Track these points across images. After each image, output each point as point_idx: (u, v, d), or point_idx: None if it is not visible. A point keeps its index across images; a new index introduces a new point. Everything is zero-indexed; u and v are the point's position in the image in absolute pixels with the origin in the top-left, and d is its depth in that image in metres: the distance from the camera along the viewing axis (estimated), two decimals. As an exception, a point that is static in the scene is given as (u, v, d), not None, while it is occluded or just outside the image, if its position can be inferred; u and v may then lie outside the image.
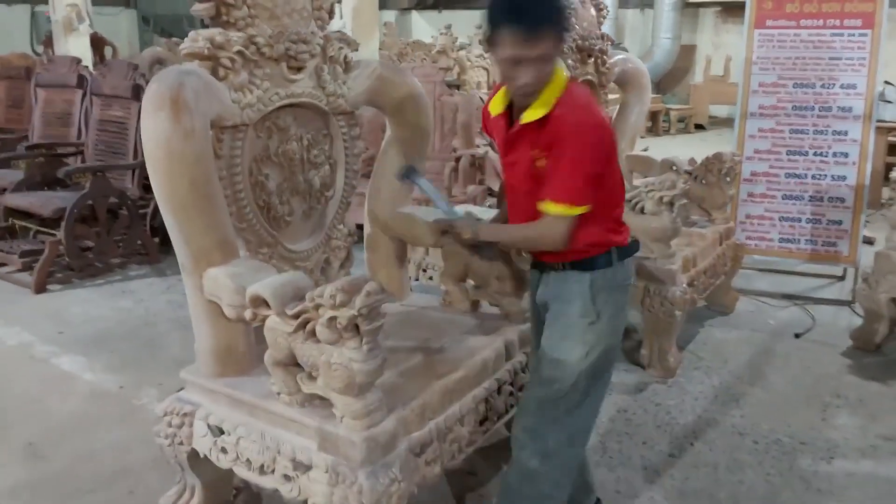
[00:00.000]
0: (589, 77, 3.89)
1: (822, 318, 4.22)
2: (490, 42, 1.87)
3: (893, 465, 2.81)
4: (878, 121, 6.43)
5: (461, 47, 9.23)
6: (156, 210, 4.98)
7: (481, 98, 5.89)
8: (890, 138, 7.00)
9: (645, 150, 5.47)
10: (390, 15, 15.80)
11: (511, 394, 2.44)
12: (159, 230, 5.03)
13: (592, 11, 3.90)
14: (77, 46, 8.60)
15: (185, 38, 2.09)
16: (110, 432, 2.98)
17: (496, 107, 2.05)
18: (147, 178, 2.03)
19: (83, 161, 5.44)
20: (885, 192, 5.63)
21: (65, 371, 3.57)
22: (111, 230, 5.01)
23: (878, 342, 3.72)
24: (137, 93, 5.04)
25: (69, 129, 5.69)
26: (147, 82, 3.42)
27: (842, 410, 3.19)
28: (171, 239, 2.03)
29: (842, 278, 4.82)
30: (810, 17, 4.53)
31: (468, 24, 10.64)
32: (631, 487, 2.64)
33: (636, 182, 3.75)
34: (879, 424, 3.09)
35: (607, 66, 3.99)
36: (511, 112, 2.01)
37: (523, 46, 1.81)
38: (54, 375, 3.53)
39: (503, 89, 2.03)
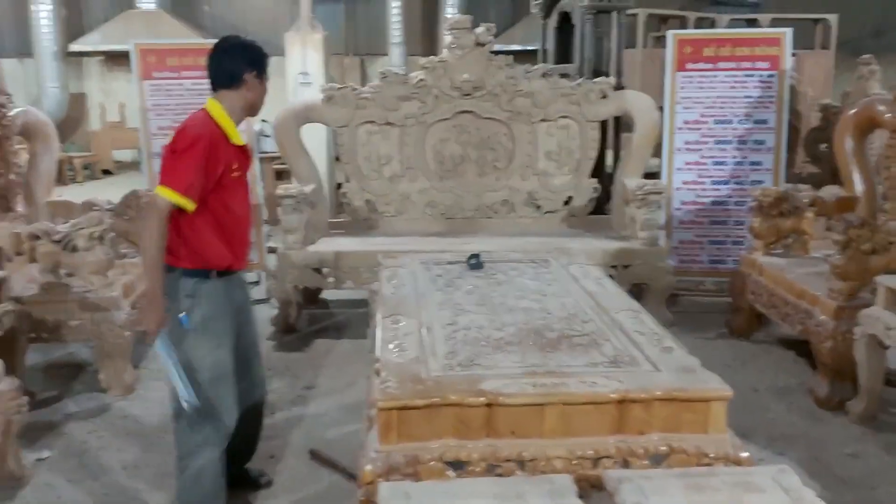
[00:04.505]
0: (-9, 131, 3.95)
1: (248, 316, 5.04)
2: (257, 76, 2.52)
3: (313, 405, 3.74)
4: (262, 153, 7.73)
5: None
6: None
7: None
8: (275, 166, 8.37)
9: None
10: None
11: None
12: None
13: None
14: None
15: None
16: None
17: (236, 134, 2.51)
18: None
19: None
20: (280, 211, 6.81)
21: None
22: None
23: (292, 322, 4.70)
24: None
25: None
26: None
27: (272, 377, 3.98)
28: None
29: (258, 282, 5.76)
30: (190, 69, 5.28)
31: None
32: (117, 484, 2.98)
33: (61, 227, 3.96)
34: (301, 381, 4.01)
35: (8, 118, 4.09)
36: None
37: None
38: None
39: (225, 118, 2.47)
